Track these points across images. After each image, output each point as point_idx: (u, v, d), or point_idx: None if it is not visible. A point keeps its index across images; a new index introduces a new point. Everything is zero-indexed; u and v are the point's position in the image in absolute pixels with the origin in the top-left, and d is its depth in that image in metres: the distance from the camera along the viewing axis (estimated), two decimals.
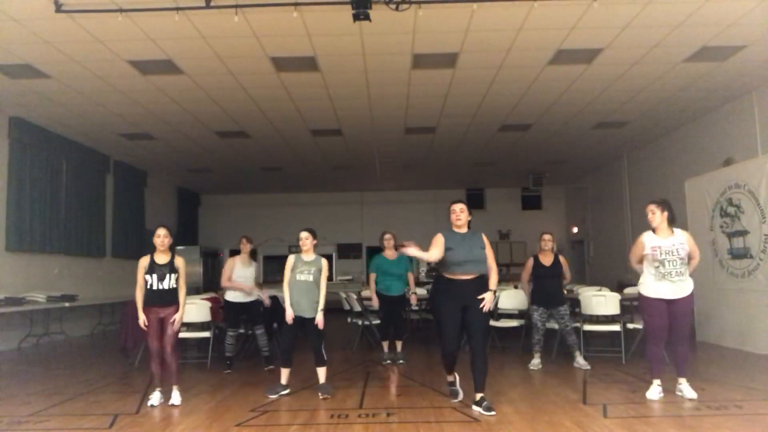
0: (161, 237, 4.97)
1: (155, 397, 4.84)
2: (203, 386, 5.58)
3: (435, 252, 4.48)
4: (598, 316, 6.84)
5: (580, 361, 6.27)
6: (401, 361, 6.76)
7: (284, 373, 5.15)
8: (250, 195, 16.88)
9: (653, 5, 5.67)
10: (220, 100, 8.34)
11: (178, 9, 5.45)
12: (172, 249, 5.02)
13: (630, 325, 6.65)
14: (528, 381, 5.69)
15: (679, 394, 4.79)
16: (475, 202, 17.03)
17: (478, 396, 4.42)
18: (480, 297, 4.42)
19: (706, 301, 8.11)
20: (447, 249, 4.50)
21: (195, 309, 6.69)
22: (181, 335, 6.70)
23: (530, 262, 6.54)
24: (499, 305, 7.41)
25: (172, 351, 4.84)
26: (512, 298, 7.47)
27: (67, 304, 9.21)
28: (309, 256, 5.19)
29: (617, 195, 13.18)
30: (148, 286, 4.85)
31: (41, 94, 7.94)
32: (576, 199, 16.13)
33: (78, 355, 8.41)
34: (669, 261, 4.64)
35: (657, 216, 4.71)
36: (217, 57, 6.74)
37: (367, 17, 5.24)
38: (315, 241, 5.25)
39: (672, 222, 4.74)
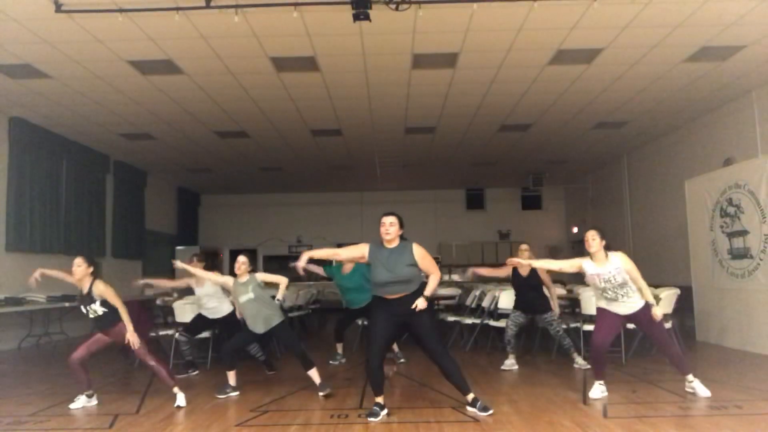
0: (74, 267, 4.79)
1: (80, 401, 4.85)
2: (203, 386, 5.58)
3: (333, 251, 4.39)
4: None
5: (579, 361, 6.28)
6: (402, 361, 6.77)
7: (231, 376, 5.22)
8: (250, 195, 16.88)
9: (653, 5, 5.67)
10: (220, 100, 8.34)
11: (178, 9, 5.45)
12: (94, 274, 4.85)
13: (630, 325, 6.63)
14: (528, 381, 5.69)
15: (691, 391, 4.82)
16: (475, 202, 17.07)
17: (470, 397, 4.39)
18: (413, 307, 4.21)
19: (706, 301, 8.12)
20: (370, 262, 4.35)
21: (195, 309, 6.69)
22: (181, 335, 6.75)
23: (509, 268, 6.42)
24: (499, 305, 7.41)
25: (149, 361, 4.80)
26: (511, 299, 7.44)
27: (67, 304, 9.20)
28: (243, 278, 5.35)
29: (617, 195, 13.18)
30: (85, 314, 4.85)
31: (41, 94, 7.94)
32: (576, 199, 16.13)
33: None
34: (609, 288, 4.79)
35: (596, 242, 4.81)
36: (217, 57, 6.74)
37: (367, 17, 5.24)
38: (250, 267, 5.42)
39: (607, 249, 4.86)
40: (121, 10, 5.46)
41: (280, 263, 16.42)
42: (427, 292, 4.31)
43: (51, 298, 9.00)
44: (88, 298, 4.78)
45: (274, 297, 5.42)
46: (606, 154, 12.66)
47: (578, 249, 16.12)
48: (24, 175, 9.11)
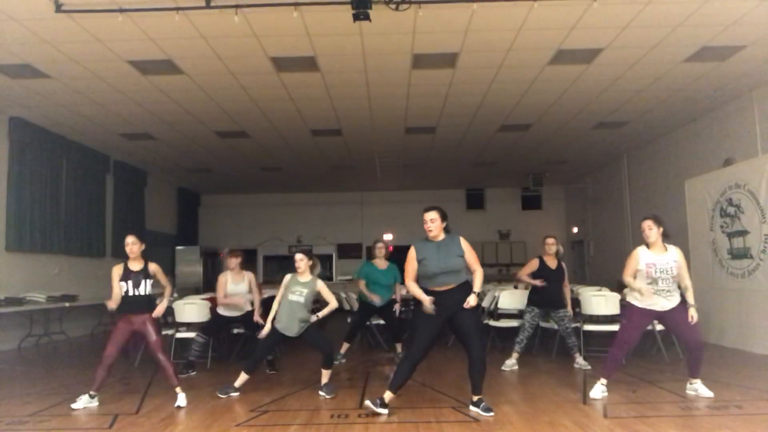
0: (129, 245, 4.91)
1: (82, 400, 4.81)
2: (203, 386, 5.58)
3: (412, 282, 4.35)
4: (598, 316, 6.84)
5: (580, 361, 6.28)
6: None
7: (242, 379, 5.17)
8: (250, 195, 16.88)
9: (653, 5, 5.67)
10: (220, 100, 8.34)
11: (178, 9, 5.45)
12: (144, 255, 4.97)
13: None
14: (528, 381, 5.69)
15: (693, 393, 4.81)
16: (475, 202, 17.06)
17: (476, 397, 4.41)
18: (465, 305, 4.25)
19: (706, 301, 8.11)
20: (420, 260, 4.37)
21: (195, 309, 6.71)
22: (181, 335, 6.76)
23: (535, 262, 6.50)
24: (499, 305, 7.41)
25: (160, 355, 4.81)
26: (512, 298, 7.46)
27: (67, 304, 9.21)
28: (305, 277, 5.25)
29: (617, 195, 13.18)
30: (124, 293, 4.82)
31: (41, 94, 7.94)
32: (576, 199, 16.12)
33: (78, 355, 8.41)
34: (663, 279, 4.69)
35: (654, 232, 4.72)
36: (217, 57, 6.74)
37: (367, 17, 5.24)
38: (311, 262, 5.31)
39: (666, 237, 4.77)
40: (121, 10, 5.46)
41: (280, 263, 16.46)
42: (476, 287, 4.34)
43: (51, 298, 9.01)
44: (144, 273, 4.84)
45: None
46: (606, 154, 12.66)
47: (578, 249, 16.15)
48: (24, 175, 9.11)
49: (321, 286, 5.25)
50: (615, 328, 6.59)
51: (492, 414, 4.26)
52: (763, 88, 7.99)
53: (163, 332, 6.89)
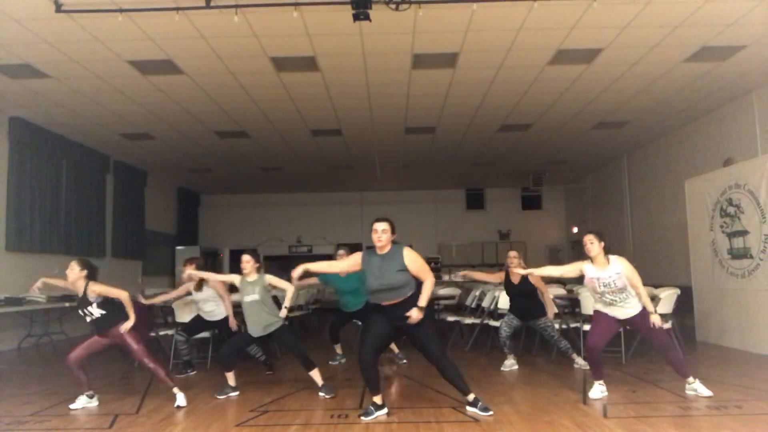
0: (67, 270, 4.77)
1: (80, 401, 4.83)
2: (203, 386, 5.58)
3: (328, 264, 4.30)
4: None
5: (579, 361, 6.27)
6: (403, 361, 6.78)
7: (229, 377, 5.19)
8: (250, 195, 16.88)
9: (653, 5, 5.67)
10: (220, 100, 8.34)
11: (178, 9, 5.45)
12: (89, 277, 4.79)
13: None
14: (528, 381, 5.69)
15: (692, 393, 4.81)
16: (475, 202, 17.06)
17: (470, 397, 4.39)
18: (407, 315, 4.16)
19: (706, 301, 8.12)
20: (364, 271, 4.31)
21: (195, 309, 6.68)
22: (181, 335, 6.75)
23: (502, 274, 6.38)
24: (499, 305, 7.41)
25: (145, 361, 4.78)
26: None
27: (67, 304, 9.20)
28: (251, 276, 5.30)
29: (617, 195, 13.18)
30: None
31: (41, 94, 7.94)
32: (576, 199, 16.13)
33: None
34: (608, 293, 4.75)
35: (595, 246, 4.76)
36: (217, 57, 6.74)
37: (367, 17, 5.24)
38: (257, 264, 5.35)
39: (606, 252, 4.81)
40: (121, 10, 5.46)
41: (280, 263, 16.43)
42: (422, 301, 4.17)
43: (51, 298, 9.00)
44: (84, 301, 4.74)
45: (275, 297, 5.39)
46: (606, 154, 12.67)
47: (578, 249, 16.05)
48: (24, 175, 9.11)
49: (269, 278, 5.30)
50: None
51: (490, 413, 4.26)
52: (763, 88, 8.00)
53: (163, 332, 6.93)
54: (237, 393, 5.16)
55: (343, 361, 6.86)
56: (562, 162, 13.33)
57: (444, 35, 6.32)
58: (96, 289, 4.72)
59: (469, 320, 7.98)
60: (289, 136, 10.48)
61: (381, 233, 4.27)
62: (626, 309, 4.77)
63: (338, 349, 6.99)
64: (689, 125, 9.94)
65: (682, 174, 9.59)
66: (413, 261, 4.24)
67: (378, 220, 4.34)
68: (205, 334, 6.61)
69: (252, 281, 5.28)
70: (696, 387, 4.82)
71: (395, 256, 4.25)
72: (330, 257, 16.55)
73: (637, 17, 5.92)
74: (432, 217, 16.92)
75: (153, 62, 6.84)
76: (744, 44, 6.62)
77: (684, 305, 7.72)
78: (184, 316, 6.78)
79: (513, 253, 6.28)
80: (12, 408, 4.88)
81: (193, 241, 16.09)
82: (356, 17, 5.22)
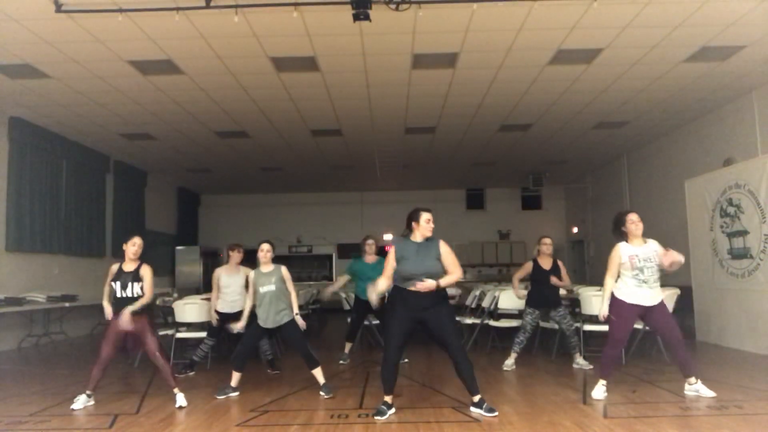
0: (136, 246, 5.00)
1: (80, 400, 4.81)
2: (203, 386, 5.58)
3: (389, 267, 4.35)
4: (598, 316, 6.83)
5: (580, 361, 6.28)
6: (404, 361, 6.77)
7: (235, 377, 5.19)
8: (250, 195, 16.88)
9: (653, 5, 5.67)
10: (220, 100, 8.34)
11: (178, 9, 5.45)
12: (140, 257, 5.01)
13: (636, 325, 6.63)
14: (528, 381, 5.69)
15: (694, 393, 4.80)
16: (475, 202, 17.06)
17: (476, 398, 4.39)
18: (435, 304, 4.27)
19: (706, 301, 8.12)
20: (398, 258, 4.36)
21: (195, 309, 6.70)
22: (181, 335, 6.76)
23: (529, 265, 6.56)
24: (499, 305, 7.41)
25: (157, 355, 4.81)
26: (511, 299, 7.45)
27: (67, 304, 9.22)
28: (267, 267, 5.33)
29: (617, 195, 13.17)
30: (115, 294, 4.85)
31: (41, 94, 7.94)
32: (576, 199, 16.13)
33: (78, 355, 8.41)
34: (647, 268, 4.77)
35: (641, 225, 4.83)
36: (217, 57, 6.74)
37: (367, 17, 5.24)
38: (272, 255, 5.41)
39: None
40: (121, 10, 5.46)
41: (280, 263, 16.43)
42: (443, 281, 4.28)
43: (51, 298, 9.01)
44: (135, 275, 4.86)
45: None
46: (606, 154, 12.67)
47: (578, 249, 16.15)
48: (24, 175, 9.11)
49: (284, 271, 5.33)
50: None
51: (495, 414, 4.25)
52: (763, 88, 7.99)
53: (163, 332, 6.92)
54: (237, 393, 5.16)
55: (348, 361, 6.85)
56: (562, 162, 13.33)
57: (444, 35, 6.32)
58: (147, 271, 4.91)
59: (469, 320, 7.97)
60: (289, 136, 10.48)
61: (432, 223, 4.49)
62: (655, 291, 4.79)
63: (347, 349, 7.00)
64: (689, 125, 9.93)
65: (682, 174, 9.58)
66: (448, 253, 4.43)
67: (426, 210, 4.55)
68: (205, 334, 6.61)
69: (267, 272, 5.28)
70: (698, 388, 4.81)
71: (432, 246, 4.43)
72: (330, 257, 16.66)
73: (637, 17, 5.92)
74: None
75: (153, 62, 6.84)
76: (744, 44, 6.62)
77: (684, 305, 7.72)
78: (184, 315, 6.77)
79: (548, 240, 6.56)
80: (12, 408, 4.88)
81: (193, 241, 16.09)
82: (356, 17, 5.22)
